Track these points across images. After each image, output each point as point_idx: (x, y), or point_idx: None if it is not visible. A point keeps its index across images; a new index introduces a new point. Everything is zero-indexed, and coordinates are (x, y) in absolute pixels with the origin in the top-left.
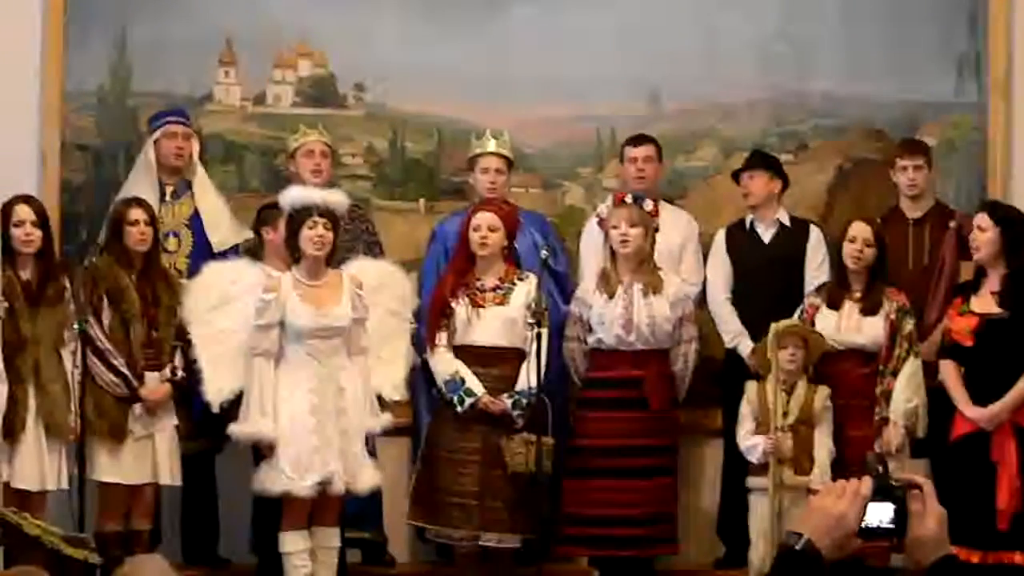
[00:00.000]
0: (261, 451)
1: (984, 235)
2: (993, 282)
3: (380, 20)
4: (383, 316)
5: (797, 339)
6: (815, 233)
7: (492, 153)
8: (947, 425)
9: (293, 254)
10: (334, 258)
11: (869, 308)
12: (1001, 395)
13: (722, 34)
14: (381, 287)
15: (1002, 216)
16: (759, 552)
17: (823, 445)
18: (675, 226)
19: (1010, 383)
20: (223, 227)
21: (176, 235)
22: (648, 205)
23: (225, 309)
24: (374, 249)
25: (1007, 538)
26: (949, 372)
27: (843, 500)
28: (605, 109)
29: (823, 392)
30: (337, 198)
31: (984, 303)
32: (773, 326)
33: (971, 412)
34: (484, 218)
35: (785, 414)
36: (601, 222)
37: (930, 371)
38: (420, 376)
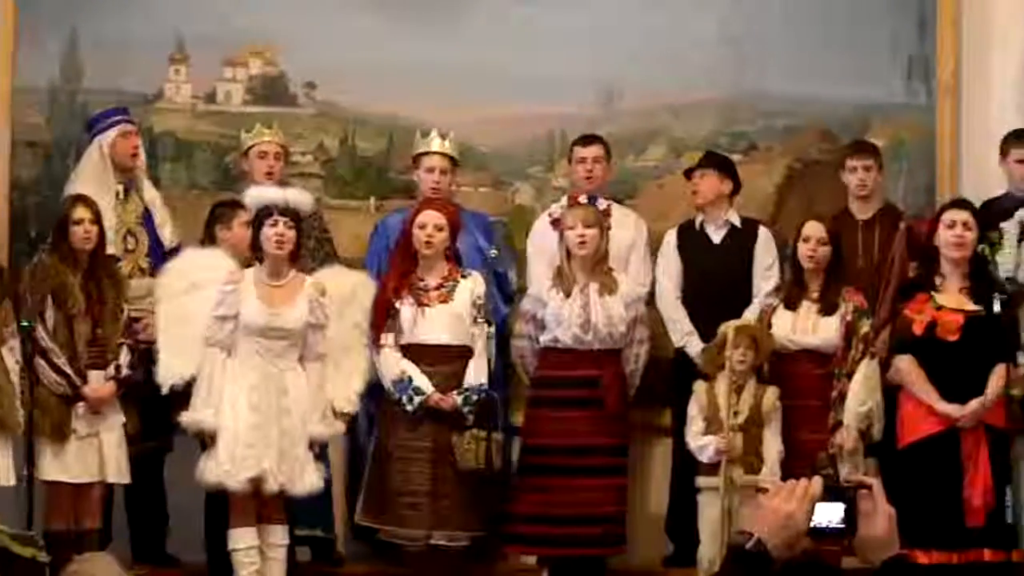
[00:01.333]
0: (205, 442)
1: (971, 233)
2: (958, 278)
3: (331, 19)
4: (348, 328)
5: (748, 339)
6: (764, 234)
7: (437, 152)
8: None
9: (256, 255)
10: (298, 257)
11: (826, 308)
12: (980, 389)
13: (674, 34)
14: (352, 299)
15: (975, 213)
16: (709, 551)
17: (773, 445)
18: (623, 226)
19: (984, 379)
20: (168, 225)
21: (132, 234)
22: (602, 205)
23: (193, 295)
24: (325, 246)
25: (976, 536)
26: (911, 368)
27: (793, 500)
28: (557, 108)
29: (772, 392)
30: (300, 198)
31: (956, 300)
32: (723, 326)
33: (946, 408)
34: (430, 217)
35: (736, 414)
36: (555, 222)
37: (882, 370)
38: None
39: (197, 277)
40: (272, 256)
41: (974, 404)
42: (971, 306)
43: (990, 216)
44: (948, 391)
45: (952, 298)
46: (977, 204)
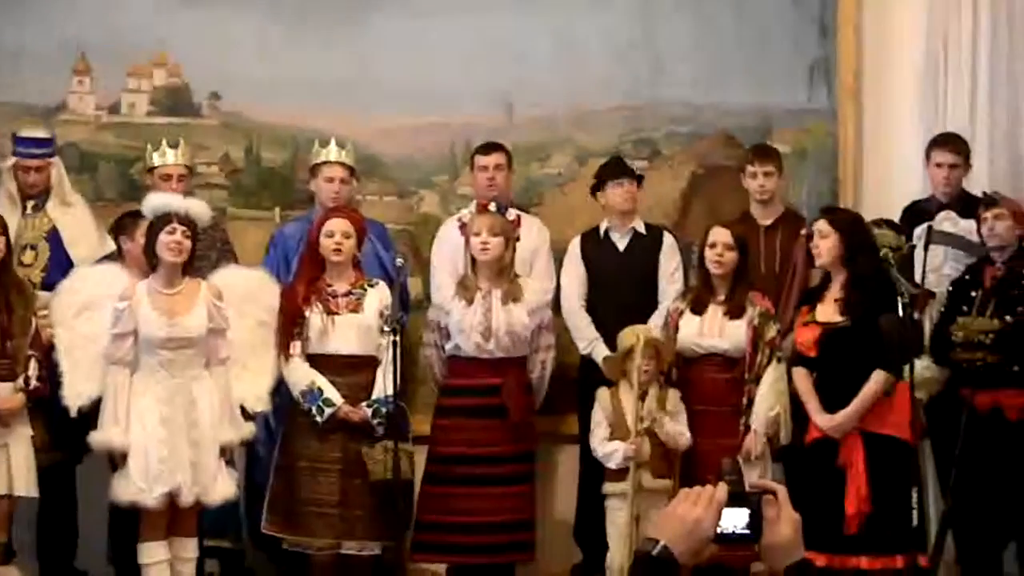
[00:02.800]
0: (115, 460)
1: (825, 241)
2: (836, 289)
3: (236, 29)
4: (252, 326)
5: (650, 348)
6: (668, 240)
7: (336, 162)
8: (803, 430)
9: (151, 261)
10: (191, 267)
11: (734, 311)
12: (848, 402)
13: (577, 42)
14: (250, 297)
15: (841, 222)
16: (618, 557)
17: (680, 433)
18: (527, 233)
19: (856, 390)
20: (88, 241)
21: (33, 248)
22: (511, 215)
23: (89, 314)
24: (227, 257)
25: (853, 542)
26: (801, 378)
27: (699, 506)
28: (461, 117)
29: (674, 395)
30: (199, 208)
31: (827, 312)
32: (624, 333)
33: (820, 420)
34: (338, 224)
35: (641, 418)
36: (463, 227)
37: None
38: None
39: (90, 296)
40: (167, 264)
41: (836, 417)
42: (836, 319)
43: (912, 218)
44: (823, 403)
45: (826, 310)
46: (878, 207)
